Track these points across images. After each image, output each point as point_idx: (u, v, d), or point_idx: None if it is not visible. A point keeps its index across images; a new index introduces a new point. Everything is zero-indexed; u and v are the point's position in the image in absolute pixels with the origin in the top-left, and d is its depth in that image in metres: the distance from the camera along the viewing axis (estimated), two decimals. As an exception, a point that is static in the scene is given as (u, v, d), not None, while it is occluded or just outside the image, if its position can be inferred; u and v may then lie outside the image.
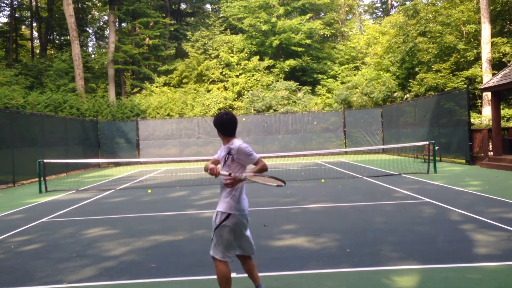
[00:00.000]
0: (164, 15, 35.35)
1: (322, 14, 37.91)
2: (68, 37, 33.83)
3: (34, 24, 39.55)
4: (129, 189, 12.34)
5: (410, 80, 26.64)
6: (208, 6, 42.83)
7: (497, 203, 7.80)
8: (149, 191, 11.55)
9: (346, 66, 32.48)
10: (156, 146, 24.45)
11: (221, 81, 31.15)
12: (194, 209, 8.47)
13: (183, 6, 41.81)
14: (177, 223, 7.24)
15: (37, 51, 39.68)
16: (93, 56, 39.67)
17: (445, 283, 3.96)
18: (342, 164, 18.22)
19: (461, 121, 15.68)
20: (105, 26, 42.32)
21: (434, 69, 23.40)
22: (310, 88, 29.92)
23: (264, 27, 30.87)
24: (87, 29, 41.34)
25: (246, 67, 30.86)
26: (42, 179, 12.54)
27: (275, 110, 26.57)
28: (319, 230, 6.20)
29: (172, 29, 35.00)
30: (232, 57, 31.28)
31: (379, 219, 6.82)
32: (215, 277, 3.66)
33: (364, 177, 12.66)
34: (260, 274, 4.37)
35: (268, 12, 31.90)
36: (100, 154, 23.53)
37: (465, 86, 19.15)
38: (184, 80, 31.72)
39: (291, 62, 31.16)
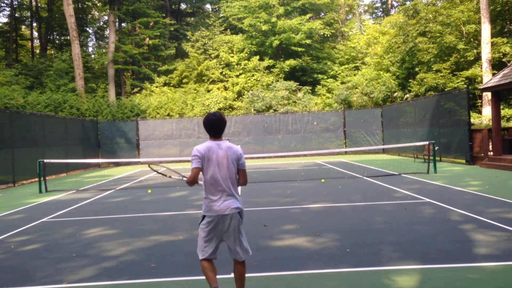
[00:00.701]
0: (164, 15, 35.34)
1: (322, 14, 37.90)
2: (68, 37, 33.84)
3: (34, 24, 39.56)
4: (129, 189, 12.34)
5: (410, 80, 26.63)
6: (208, 6, 42.87)
7: (497, 203, 7.80)
8: (149, 191, 11.55)
9: (346, 66, 32.46)
10: (156, 146, 24.45)
11: (221, 81, 31.14)
12: (194, 209, 8.47)
13: (183, 6, 41.82)
14: (177, 223, 7.24)
15: (37, 51, 39.67)
16: (93, 56, 39.67)
17: (445, 283, 3.96)
18: (342, 164, 18.22)
19: (461, 121, 15.68)
20: (105, 26, 42.32)
21: (434, 69, 23.38)
22: (310, 88, 29.91)
23: (264, 27, 30.86)
24: (87, 29, 41.35)
25: (246, 67, 30.85)
26: (42, 179, 12.54)
27: (275, 110, 26.56)
28: (319, 230, 6.20)
29: (172, 29, 34.99)
30: (232, 57, 31.26)
31: (379, 219, 6.82)
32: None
33: (364, 177, 12.66)
34: (260, 274, 4.38)
35: (268, 12, 31.88)
36: (100, 154, 23.52)
37: (465, 86, 19.15)
38: (184, 80, 31.71)
39: (291, 62, 31.14)
